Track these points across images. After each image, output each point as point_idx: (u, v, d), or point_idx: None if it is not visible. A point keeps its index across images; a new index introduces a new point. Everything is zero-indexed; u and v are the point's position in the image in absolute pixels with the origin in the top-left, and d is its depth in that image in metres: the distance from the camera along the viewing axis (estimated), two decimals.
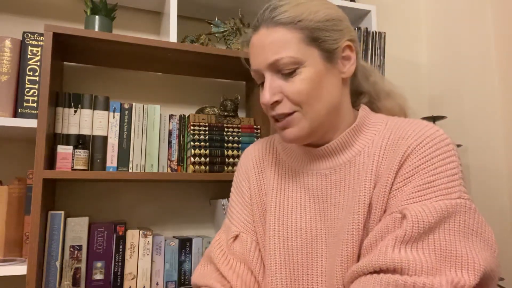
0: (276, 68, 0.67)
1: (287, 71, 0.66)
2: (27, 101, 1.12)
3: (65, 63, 1.36)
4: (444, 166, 0.62)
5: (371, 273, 0.59)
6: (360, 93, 0.81)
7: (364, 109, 0.76)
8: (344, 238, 0.66)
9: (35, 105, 1.12)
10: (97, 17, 1.21)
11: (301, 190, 0.75)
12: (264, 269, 0.75)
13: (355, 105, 0.79)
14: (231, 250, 0.77)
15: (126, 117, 1.23)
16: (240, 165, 0.85)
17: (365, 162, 0.69)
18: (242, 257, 0.76)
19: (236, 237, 0.78)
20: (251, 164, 0.83)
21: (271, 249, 0.72)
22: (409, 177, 0.63)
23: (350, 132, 0.72)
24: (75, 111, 1.17)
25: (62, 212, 1.11)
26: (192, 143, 1.27)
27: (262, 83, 0.70)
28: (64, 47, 1.20)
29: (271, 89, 0.68)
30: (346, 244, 0.65)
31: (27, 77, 1.12)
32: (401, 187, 0.63)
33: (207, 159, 1.27)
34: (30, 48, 1.13)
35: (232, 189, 0.86)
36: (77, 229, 1.13)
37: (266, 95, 0.67)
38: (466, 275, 0.54)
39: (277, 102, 0.68)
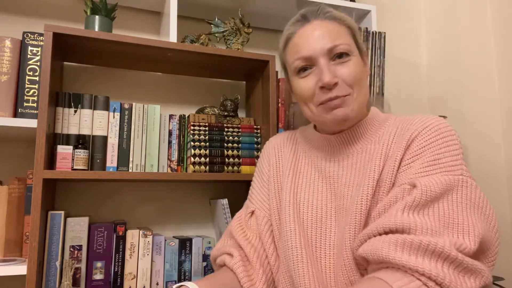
0: (333, 53, 0.75)
1: (343, 56, 0.75)
2: (27, 101, 1.12)
3: (65, 63, 1.36)
4: (448, 147, 0.70)
5: (380, 234, 0.65)
6: None
7: (375, 108, 0.86)
8: (353, 209, 0.73)
9: (35, 105, 1.12)
10: (97, 17, 1.21)
11: (315, 173, 0.84)
12: (273, 241, 0.86)
13: None
14: (248, 225, 0.89)
15: (126, 117, 1.23)
16: (263, 152, 0.98)
17: (375, 148, 0.78)
18: (257, 231, 0.88)
19: (252, 213, 0.90)
20: (272, 149, 0.95)
21: (287, 219, 0.81)
22: (417, 155, 0.70)
23: (364, 123, 0.81)
24: (75, 111, 1.17)
25: (62, 212, 1.11)
26: (192, 143, 1.27)
27: (303, 69, 0.78)
28: (64, 47, 1.20)
29: (330, 71, 0.74)
30: (355, 214, 0.72)
31: (27, 77, 1.12)
32: (409, 163, 0.71)
33: (207, 159, 1.27)
34: (30, 48, 1.13)
35: (254, 173, 0.98)
36: (77, 229, 1.13)
37: (328, 76, 0.74)
38: (467, 239, 0.60)
39: (335, 84, 0.75)
